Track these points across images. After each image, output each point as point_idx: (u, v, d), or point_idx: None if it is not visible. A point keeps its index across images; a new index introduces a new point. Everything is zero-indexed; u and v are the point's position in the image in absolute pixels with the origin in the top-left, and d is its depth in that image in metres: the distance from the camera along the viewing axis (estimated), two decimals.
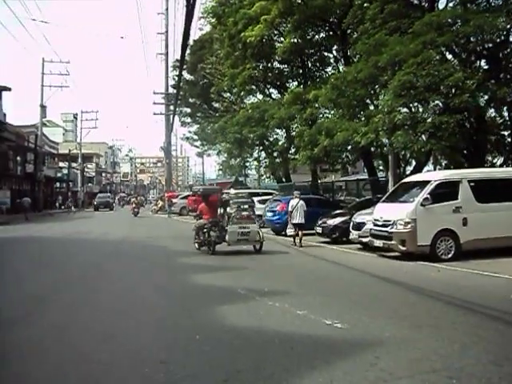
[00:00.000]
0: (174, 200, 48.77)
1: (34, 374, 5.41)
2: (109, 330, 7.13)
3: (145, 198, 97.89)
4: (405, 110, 19.72)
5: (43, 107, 54.89)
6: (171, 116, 52.65)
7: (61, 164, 74.88)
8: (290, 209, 19.27)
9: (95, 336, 6.84)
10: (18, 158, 51.82)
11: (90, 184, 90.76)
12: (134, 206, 44.44)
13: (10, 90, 47.90)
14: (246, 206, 17.52)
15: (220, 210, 17.70)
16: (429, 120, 18.36)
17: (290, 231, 19.33)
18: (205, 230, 16.99)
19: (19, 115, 74.92)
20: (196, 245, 17.53)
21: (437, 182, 14.49)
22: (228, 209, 17.39)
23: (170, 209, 45.59)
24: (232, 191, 34.53)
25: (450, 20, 18.70)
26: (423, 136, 18.82)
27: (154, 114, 55.20)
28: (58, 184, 71.98)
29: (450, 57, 20.45)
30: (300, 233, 18.76)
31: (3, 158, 46.42)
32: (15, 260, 15.78)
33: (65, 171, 74.17)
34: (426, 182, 14.69)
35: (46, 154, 61.34)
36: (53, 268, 13.67)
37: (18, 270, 13.57)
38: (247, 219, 17.02)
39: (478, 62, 20.52)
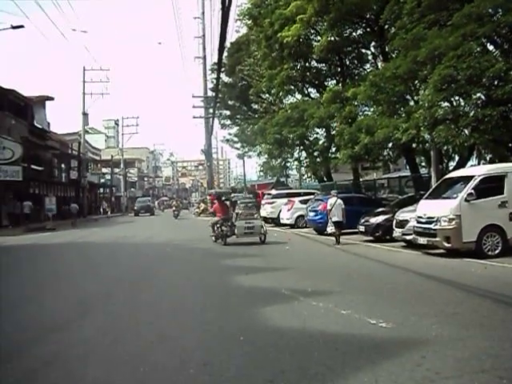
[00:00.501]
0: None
1: (83, 377, 5.50)
2: (155, 332, 7.22)
3: (188, 200, 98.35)
4: (446, 104, 19.35)
5: (85, 115, 55.94)
6: (211, 119, 52.95)
7: (104, 170, 76.29)
8: (328, 207, 19.88)
9: (143, 338, 6.93)
10: (63, 166, 52.96)
11: (132, 189, 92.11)
12: (174, 208, 49.29)
13: (53, 99, 49.09)
14: (250, 205, 22.07)
15: (230, 209, 21.87)
16: (471, 113, 17.97)
17: (330, 229, 19.84)
18: (218, 226, 20.94)
19: (62, 124, 76.81)
20: (213, 238, 21.25)
21: (481, 177, 14.19)
22: (236, 208, 21.71)
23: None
24: (273, 192, 34.78)
25: (490, 10, 18.26)
26: (466, 130, 18.44)
27: (194, 117, 55.64)
28: (101, 190, 73.22)
29: (491, 48, 19.95)
30: (338, 230, 19.23)
31: (48, 165, 47.49)
32: (66, 265, 16.14)
33: (108, 177, 75.46)
34: (470, 177, 14.40)
35: (89, 161, 62.61)
36: (102, 272, 13.92)
37: (69, 274, 13.86)
38: (251, 216, 20.94)
39: None
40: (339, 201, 19.60)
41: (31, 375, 5.53)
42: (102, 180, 73.60)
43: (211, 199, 44.65)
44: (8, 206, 36.50)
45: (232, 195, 23.94)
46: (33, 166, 41.01)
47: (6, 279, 12.92)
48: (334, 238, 19.19)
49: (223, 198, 22.65)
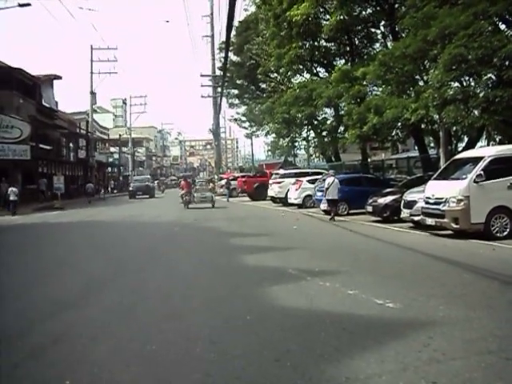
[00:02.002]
0: (223, 182, 48.81)
1: (91, 354, 5.53)
2: (162, 310, 7.26)
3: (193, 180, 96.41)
4: (456, 84, 19.19)
5: (93, 94, 55.88)
6: (219, 98, 52.84)
7: (112, 149, 76.45)
8: (326, 186, 21.42)
9: (151, 316, 6.97)
10: (71, 145, 53.07)
11: (140, 168, 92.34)
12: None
13: (60, 78, 49.05)
14: (204, 183, 40.00)
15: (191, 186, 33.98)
16: (481, 94, 17.81)
17: (323, 206, 22.27)
18: (184, 196, 31.62)
19: (70, 103, 76.67)
20: (182, 204, 31.44)
21: (490, 158, 14.07)
22: (196, 185, 36.18)
23: (229, 191, 41.54)
24: (281, 171, 34.73)
25: None
26: (475, 111, 18.30)
27: (202, 96, 55.57)
28: (109, 169, 73.41)
29: (503, 27, 19.71)
30: (334, 208, 21.01)
31: (56, 144, 47.62)
32: (74, 244, 16.25)
33: (116, 156, 75.65)
34: (479, 158, 14.29)
35: (97, 140, 62.72)
36: (110, 252, 14.03)
37: (77, 253, 13.95)
38: (205, 190, 34.41)
39: None
40: (336, 180, 21.30)
41: (39, 352, 5.56)
42: (110, 159, 73.79)
43: (226, 179, 44.63)
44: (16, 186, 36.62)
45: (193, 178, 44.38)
46: (41, 145, 41.12)
47: (16, 259, 13.03)
48: (341, 218, 19.29)
49: (188, 180, 35.71)
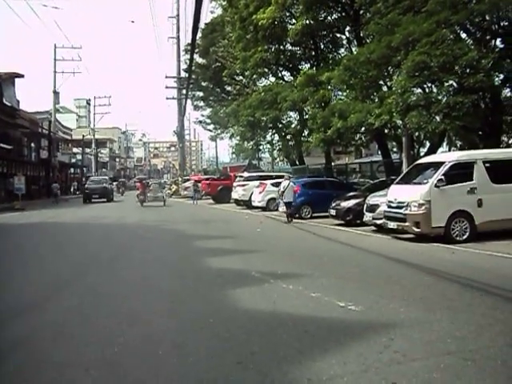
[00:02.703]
0: (187, 184, 48.51)
1: (55, 358, 5.45)
2: (124, 313, 7.18)
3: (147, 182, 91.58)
4: (418, 90, 19.52)
5: (56, 93, 55.09)
6: (183, 100, 52.64)
7: (75, 150, 75.56)
8: (281, 189, 22.16)
9: (112, 319, 6.88)
10: (32, 145, 52.21)
11: (104, 169, 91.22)
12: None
13: (22, 76, 48.21)
14: (157, 185, 41.30)
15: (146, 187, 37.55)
16: (443, 100, 18.15)
17: (281, 209, 23.05)
18: (139, 195, 35.93)
19: (32, 102, 75.30)
20: (138, 203, 35.41)
21: (451, 163, 14.35)
22: (150, 186, 39.07)
23: (196, 194, 40.57)
24: (245, 174, 34.74)
25: None
26: (437, 116, 18.63)
27: (167, 98, 55.56)
28: (72, 170, 72.37)
29: (464, 36, 20.20)
30: (288, 210, 21.50)
31: (17, 144, 46.77)
32: (34, 246, 15.95)
33: (79, 157, 74.81)
34: (441, 163, 14.55)
35: (59, 140, 61.74)
36: (71, 254, 13.83)
37: (37, 255, 13.72)
38: (157, 191, 38.08)
39: (493, 40, 20.19)
40: (291, 184, 22.12)
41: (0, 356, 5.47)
42: (73, 160, 72.90)
43: (195, 181, 43.86)
44: None
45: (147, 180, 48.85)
46: (1, 145, 40.33)
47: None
48: (305, 221, 19.41)
49: (143, 181, 39.88)
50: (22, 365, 5.26)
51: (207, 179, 44.36)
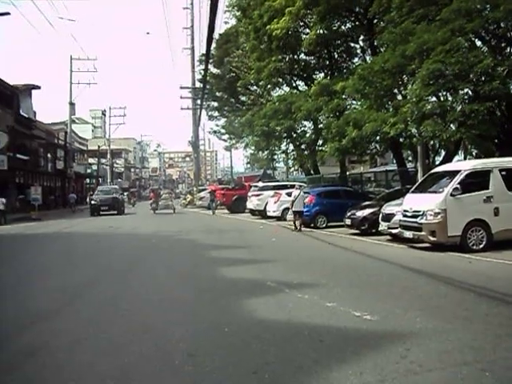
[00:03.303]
0: (202, 194, 48.42)
1: (71, 367, 5.47)
2: (140, 322, 7.20)
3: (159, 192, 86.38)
4: (433, 99, 19.43)
5: (72, 104, 55.53)
6: (198, 110, 52.84)
7: (90, 160, 75.96)
8: (292, 198, 22.56)
9: (127, 329, 6.90)
10: (49, 155, 52.63)
11: (119, 180, 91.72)
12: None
13: (39, 88, 48.74)
14: (167, 194, 43.71)
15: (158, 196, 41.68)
16: (458, 108, 18.07)
17: (289, 217, 23.40)
18: (152, 203, 39.86)
19: (49, 113, 75.90)
20: (151, 210, 39.37)
21: (467, 172, 14.26)
22: (161, 195, 43.02)
23: (213, 204, 39.37)
24: (260, 184, 34.75)
25: (479, 6, 18.28)
26: (452, 125, 18.54)
27: (182, 108, 55.50)
28: (87, 180, 72.85)
29: (479, 43, 20.08)
30: (300, 218, 21.87)
31: (34, 155, 47.19)
32: (50, 255, 16.08)
33: (94, 167, 75.13)
34: (456, 172, 14.46)
35: (75, 151, 62.19)
36: (87, 263, 13.88)
37: (53, 264, 13.81)
38: (167, 199, 41.54)
39: (509, 48, 20.04)
40: (302, 193, 22.51)
41: (14, 366, 5.49)
42: (89, 170, 73.31)
43: (212, 191, 43.41)
44: None
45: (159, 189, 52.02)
46: (18, 156, 40.75)
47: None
48: (320, 231, 19.41)
49: (156, 190, 45.06)
50: (38, 373, 5.28)
51: (222, 189, 44.37)
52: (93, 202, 40.13)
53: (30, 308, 8.26)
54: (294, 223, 22.10)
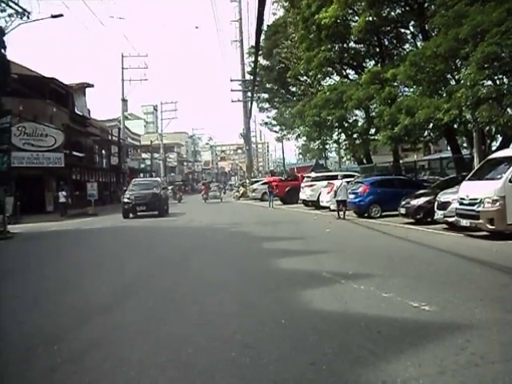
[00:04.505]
0: (254, 186, 48.43)
1: (132, 358, 5.57)
2: (195, 314, 7.27)
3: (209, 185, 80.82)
4: (489, 82, 18.92)
5: (124, 101, 56.53)
6: (249, 102, 52.93)
7: (143, 155, 77.28)
8: (335, 188, 24.22)
9: (186, 321, 6.99)
10: (103, 152, 53.81)
11: (172, 174, 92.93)
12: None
13: (92, 86, 49.81)
14: (216, 186, 58.53)
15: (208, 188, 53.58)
16: None
17: (333, 206, 24.98)
18: (203, 194, 50.43)
19: (102, 110, 77.50)
20: (203, 200, 48.85)
21: None
22: (211, 186, 56.67)
23: (271, 196, 38.02)
24: (313, 174, 34.62)
25: None
26: (509, 109, 18.03)
27: (232, 101, 55.72)
28: (141, 175, 74.08)
29: None
30: (344, 208, 23.17)
31: (89, 151, 48.31)
32: (109, 249, 16.44)
33: (148, 162, 76.32)
34: None
35: (129, 146, 63.39)
36: (143, 256, 14.13)
37: (112, 258, 14.10)
38: (216, 191, 54.34)
39: None
40: (344, 183, 23.79)
41: (77, 357, 5.64)
42: (142, 165, 74.53)
43: (270, 183, 42.85)
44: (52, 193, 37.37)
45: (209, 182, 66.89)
46: (74, 153, 41.79)
47: (52, 264, 13.24)
48: (374, 220, 19.31)
49: (207, 184, 56.19)
50: (99, 365, 5.40)
51: (280, 181, 44.17)
52: (125, 201, 30.53)
53: (90, 301, 8.43)
54: (338, 212, 23.31)
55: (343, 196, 23.20)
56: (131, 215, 30.14)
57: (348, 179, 28.30)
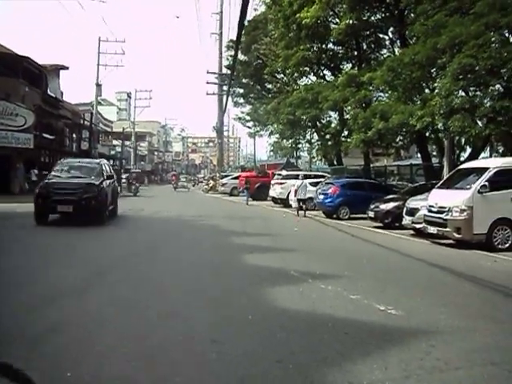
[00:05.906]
0: (224, 180, 48.34)
1: (87, 343, 5.48)
2: (162, 308, 7.20)
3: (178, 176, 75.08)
4: (462, 94, 19.20)
5: (99, 86, 55.67)
6: (224, 96, 52.80)
7: (115, 142, 76.44)
8: (295, 188, 25.74)
9: (150, 313, 6.91)
10: (74, 136, 52.95)
11: (142, 162, 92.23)
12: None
13: (67, 68, 48.93)
14: (185, 178, 76.04)
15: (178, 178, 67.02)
16: (488, 104, 17.85)
17: (294, 204, 26.43)
18: (173, 184, 63.09)
19: (75, 93, 76.57)
20: (173, 189, 58.96)
21: (495, 169, 14.07)
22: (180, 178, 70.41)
23: (248, 192, 36.62)
24: (284, 172, 34.67)
25: None
26: (480, 121, 18.33)
27: (207, 94, 55.58)
28: (111, 162, 73.34)
29: None
30: (304, 206, 24.74)
31: (60, 134, 47.49)
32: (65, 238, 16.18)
33: (118, 149, 75.54)
34: (484, 169, 14.29)
35: (100, 132, 62.55)
36: (109, 247, 13.96)
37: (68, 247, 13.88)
38: (184, 181, 68.85)
39: None
40: (305, 182, 25.62)
41: (40, 340, 5.55)
42: (113, 152, 73.68)
43: (246, 178, 41.81)
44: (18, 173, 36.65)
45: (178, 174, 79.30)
46: (44, 135, 41.05)
47: (13, 249, 12.98)
48: (343, 222, 19.50)
49: (178, 174, 74.12)
50: (64, 351, 5.32)
51: (255, 177, 43.93)
52: (38, 192, 17.83)
53: (53, 290, 8.30)
54: (298, 211, 24.97)
55: (303, 195, 24.75)
56: (42, 218, 17.59)
57: (318, 179, 28.59)
